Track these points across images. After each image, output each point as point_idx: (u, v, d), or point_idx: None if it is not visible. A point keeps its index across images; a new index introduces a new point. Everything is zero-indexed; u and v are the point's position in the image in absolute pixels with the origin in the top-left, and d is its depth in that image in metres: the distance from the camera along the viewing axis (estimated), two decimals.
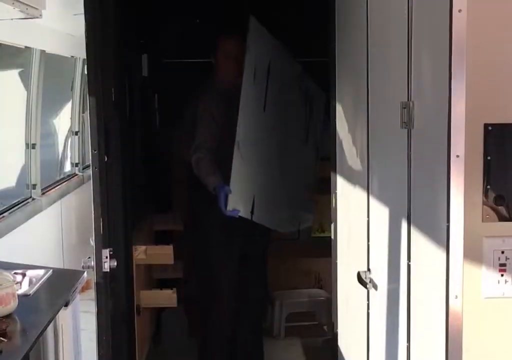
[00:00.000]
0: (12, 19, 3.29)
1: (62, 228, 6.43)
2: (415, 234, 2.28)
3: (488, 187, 1.97)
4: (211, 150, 4.34)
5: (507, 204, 1.99)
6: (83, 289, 3.35)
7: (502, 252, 2.00)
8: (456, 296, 1.97)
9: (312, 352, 4.95)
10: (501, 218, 1.99)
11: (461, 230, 1.94)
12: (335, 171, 3.60)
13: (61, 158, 7.57)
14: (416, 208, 2.28)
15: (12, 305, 2.77)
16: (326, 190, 3.86)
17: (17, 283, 2.95)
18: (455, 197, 1.93)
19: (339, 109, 3.52)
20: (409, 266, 2.34)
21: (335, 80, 3.56)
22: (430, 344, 2.19)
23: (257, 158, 4.37)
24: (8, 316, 2.74)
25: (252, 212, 4.26)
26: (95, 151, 3.01)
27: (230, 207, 4.09)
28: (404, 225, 2.37)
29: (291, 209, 4.92)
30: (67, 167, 7.53)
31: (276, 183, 4.66)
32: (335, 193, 3.62)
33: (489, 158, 1.96)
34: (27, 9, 3.00)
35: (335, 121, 3.57)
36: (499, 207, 1.98)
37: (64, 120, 7.54)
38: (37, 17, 3.20)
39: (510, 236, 2.00)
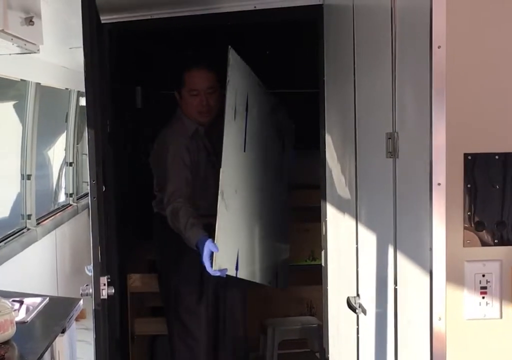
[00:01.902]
0: (10, 54, 3.39)
1: (56, 257, 6.50)
2: (401, 259, 2.37)
3: (469, 213, 2.07)
4: (186, 199, 3.96)
5: (487, 230, 2.09)
6: (77, 318, 3.41)
7: (483, 275, 2.09)
8: (440, 317, 2.05)
9: None
10: (482, 243, 2.09)
11: (443, 254, 2.03)
12: (325, 199, 3.69)
13: (55, 189, 7.66)
14: (401, 234, 2.37)
15: (10, 331, 2.84)
16: (316, 218, 3.94)
17: (15, 310, 3.01)
18: (437, 223, 2.03)
19: (328, 139, 3.62)
20: (395, 290, 2.43)
21: (325, 110, 3.66)
22: None
23: (241, 206, 3.92)
24: (7, 342, 2.81)
25: (236, 268, 3.80)
26: (93, 181, 3.09)
27: (216, 266, 3.58)
28: (390, 250, 2.46)
29: (270, 254, 4.54)
30: (62, 198, 7.62)
31: (258, 231, 4.26)
32: (325, 221, 3.71)
33: (469, 186, 2.07)
34: (25, 44, 3.09)
35: (325, 151, 3.67)
36: (479, 232, 2.08)
37: (58, 151, 7.64)
38: (34, 52, 3.30)
39: (490, 260, 2.09)
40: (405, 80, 2.30)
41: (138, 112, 5.46)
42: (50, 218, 6.56)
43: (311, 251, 5.55)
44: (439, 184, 2.02)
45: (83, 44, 3.04)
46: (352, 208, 3.03)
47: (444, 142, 2.01)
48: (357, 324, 3.01)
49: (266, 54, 5.01)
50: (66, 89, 6.97)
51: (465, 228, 2.08)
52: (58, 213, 6.91)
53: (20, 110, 6.12)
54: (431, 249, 2.04)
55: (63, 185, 7.64)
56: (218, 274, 3.60)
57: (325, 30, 3.59)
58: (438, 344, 2.06)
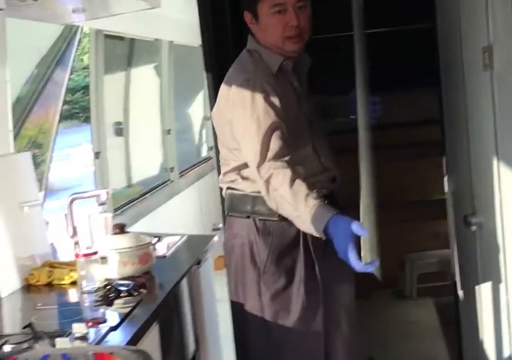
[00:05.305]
0: (136, 11, 3.62)
1: (201, 205, 6.79)
2: (503, 169, 2.44)
3: None
4: (289, 164, 2.69)
5: None
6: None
7: None
8: None
9: (445, 311, 5.04)
10: None
11: None
12: (443, 131, 3.68)
13: (197, 144, 7.99)
14: (502, 142, 2.44)
15: (150, 263, 3.04)
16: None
17: (153, 244, 3.21)
18: None
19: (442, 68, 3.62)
20: (501, 200, 2.50)
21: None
22: None
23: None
24: (147, 273, 3.03)
25: None
26: None
27: (367, 257, 2.51)
28: (494, 161, 2.53)
29: None
30: (204, 152, 7.94)
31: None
32: (445, 152, 3.72)
33: None
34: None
35: (441, 83, 3.65)
36: None
37: (197, 108, 7.94)
38: (156, 7, 3.51)
39: None
40: None
41: None
42: (193, 170, 6.87)
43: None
44: None
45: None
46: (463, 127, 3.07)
47: None
48: (475, 242, 3.07)
49: None
50: (200, 46, 7.18)
51: None
52: (200, 166, 7.21)
53: (159, 71, 6.43)
54: None
55: (204, 139, 7.94)
56: (370, 270, 2.51)
57: None
58: None
